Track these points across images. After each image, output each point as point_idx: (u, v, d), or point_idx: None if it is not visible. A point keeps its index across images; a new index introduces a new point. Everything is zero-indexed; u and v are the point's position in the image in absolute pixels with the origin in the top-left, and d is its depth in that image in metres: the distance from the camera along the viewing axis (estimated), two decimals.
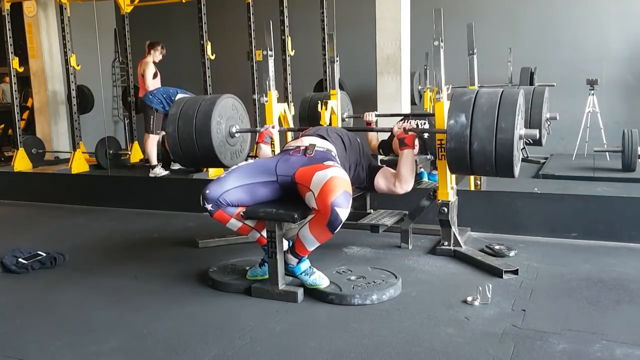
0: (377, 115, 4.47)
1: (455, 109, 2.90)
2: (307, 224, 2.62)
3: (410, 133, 3.15)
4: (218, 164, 3.65)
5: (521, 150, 3.00)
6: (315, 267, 2.79)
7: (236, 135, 3.70)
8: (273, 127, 3.56)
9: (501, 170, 2.88)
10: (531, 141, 3.13)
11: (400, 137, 3.16)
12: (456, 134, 2.86)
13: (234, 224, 2.80)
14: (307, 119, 5.06)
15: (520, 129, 2.87)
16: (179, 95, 6.31)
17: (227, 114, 3.61)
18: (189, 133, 3.52)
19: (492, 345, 2.17)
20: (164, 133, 6.66)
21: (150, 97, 6.41)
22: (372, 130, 4.14)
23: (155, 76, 6.66)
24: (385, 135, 4.44)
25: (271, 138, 3.45)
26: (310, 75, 7.28)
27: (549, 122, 4.75)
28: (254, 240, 2.92)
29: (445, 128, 2.98)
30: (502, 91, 2.91)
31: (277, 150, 3.65)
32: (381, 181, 3.17)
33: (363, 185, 3.23)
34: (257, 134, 3.50)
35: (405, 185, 3.11)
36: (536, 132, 2.98)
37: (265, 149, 3.37)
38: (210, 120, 3.46)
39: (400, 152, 3.15)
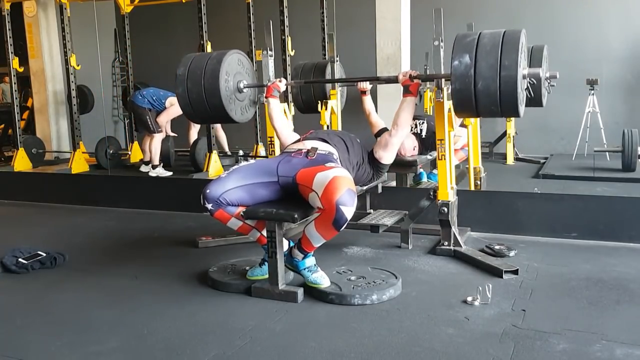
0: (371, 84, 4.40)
1: (458, 49, 2.89)
2: (313, 221, 2.63)
3: (415, 80, 3.17)
4: (228, 119, 3.66)
5: (525, 90, 2.99)
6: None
7: (244, 90, 3.70)
8: (280, 81, 3.58)
9: (506, 109, 2.87)
10: (532, 94, 3.11)
11: (405, 84, 3.18)
12: (460, 75, 2.86)
13: (235, 223, 2.80)
14: (300, 89, 5.09)
15: (523, 69, 2.88)
16: (171, 98, 6.33)
17: (233, 70, 3.61)
18: (199, 93, 3.52)
19: (492, 345, 2.17)
20: (170, 133, 6.69)
21: (140, 98, 6.41)
22: (375, 79, 3.96)
23: None
24: (386, 97, 4.33)
25: (279, 91, 3.50)
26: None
27: (549, 81, 4.75)
28: (254, 240, 2.92)
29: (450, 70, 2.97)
30: (505, 31, 2.91)
31: (277, 151, 3.65)
32: (380, 149, 3.17)
33: (371, 176, 3.23)
34: (265, 89, 3.54)
35: (402, 131, 3.14)
36: (539, 70, 2.98)
37: (274, 103, 3.42)
38: (218, 80, 3.46)
39: (403, 99, 3.16)
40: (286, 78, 6.47)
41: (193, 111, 3.64)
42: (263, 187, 2.78)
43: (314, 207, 2.64)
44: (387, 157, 3.18)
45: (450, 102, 3.08)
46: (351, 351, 2.16)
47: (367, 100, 4.15)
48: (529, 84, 3.03)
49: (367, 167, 3.18)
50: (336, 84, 4.65)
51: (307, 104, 5.20)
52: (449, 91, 3.06)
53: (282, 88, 3.57)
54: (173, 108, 6.38)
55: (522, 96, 2.90)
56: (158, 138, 6.47)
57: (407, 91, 3.16)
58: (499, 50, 2.82)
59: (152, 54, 9.69)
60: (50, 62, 8.44)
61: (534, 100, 4.48)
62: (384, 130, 4.32)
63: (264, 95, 3.56)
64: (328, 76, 4.91)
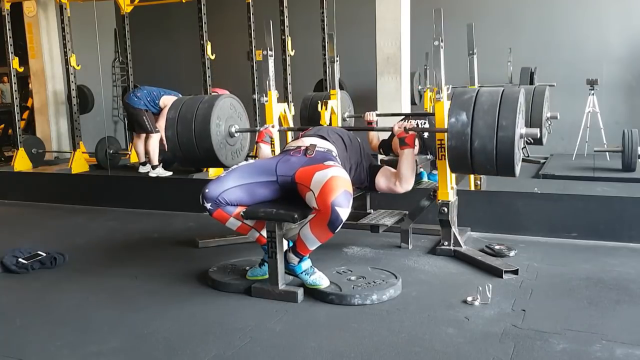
0: (377, 115, 4.47)
1: (456, 107, 2.90)
2: (308, 223, 2.62)
3: (410, 132, 3.15)
4: (219, 164, 3.66)
5: (522, 149, 3.00)
6: (315, 267, 2.79)
7: (236, 134, 3.70)
8: (272, 127, 3.55)
9: (502, 169, 2.88)
10: (532, 140, 3.14)
11: (401, 136, 3.16)
12: (457, 132, 2.86)
13: (233, 222, 2.80)
14: (308, 118, 5.05)
15: (521, 128, 2.88)
16: (164, 97, 6.31)
17: (225, 115, 3.61)
18: (189, 137, 3.52)
19: (492, 345, 2.17)
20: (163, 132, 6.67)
21: (136, 99, 6.38)
22: (372, 129, 4.14)
23: None
24: (385, 135, 4.44)
25: (271, 137, 3.45)
26: (310, 75, 7.27)
27: (549, 122, 4.75)
28: (254, 240, 2.92)
29: (446, 127, 2.98)
30: (503, 90, 2.91)
31: (278, 150, 3.65)
32: (382, 180, 3.18)
33: (364, 185, 3.24)
34: (257, 133, 3.50)
35: (406, 185, 3.12)
36: (537, 131, 2.98)
37: (264, 149, 3.37)
38: (209, 124, 3.46)
39: (401, 152, 3.15)
40: (286, 78, 6.48)
41: (182, 154, 3.63)
42: (262, 186, 2.77)
43: (310, 207, 2.63)
44: (382, 190, 3.22)
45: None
46: (351, 351, 2.16)
47: (374, 134, 4.29)
48: (526, 144, 3.04)
49: (365, 171, 3.18)
50: (336, 84, 4.66)
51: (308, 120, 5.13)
52: (449, 91, 3.06)
53: (275, 134, 3.55)
54: (167, 110, 6.38)
55: (518, 156, 2.90)
56: (155, 138, 6.45)
57: (403, 143, 3.14)
58: (496, 109, 2.82)
59: (152, 54, 9.69)
60: (50, 62, 8.44)
61: (535, 140, 4.47)
62: (381, 142, 4.40)
63: (255, 139, 3.48)
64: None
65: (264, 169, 2.81)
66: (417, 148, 4.35)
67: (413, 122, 3.41)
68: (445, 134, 3.06)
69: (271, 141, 3.48)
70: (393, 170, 3.19)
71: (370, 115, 4.32)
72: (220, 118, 3.55)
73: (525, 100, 3.02)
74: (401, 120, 3.50)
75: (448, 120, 2.92)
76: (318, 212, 2.54)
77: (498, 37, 7.98)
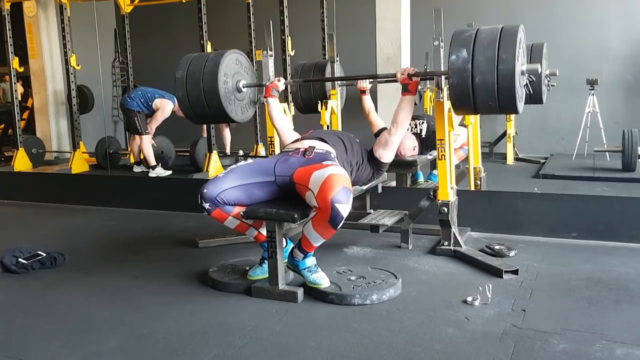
0: (371, 83, 4.39)
1: (456, 44, 2.88)
2: (310, 221, 2.63)
3: (414, 79, 3.15)
4: (229, 119, 3.69)
5: (524, 86, 2.98)
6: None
7: (243, 89, 3.70)
8: (279, 80, 3.56)
9: (504, 104, 2.86)
10: (531, 90, 3.09)
11: (404, 82, 3.15)
12: (458, 69, 2.85)
13: (232, 222, 2.80)
14: (299, 88, 5.09)
15: (522, 64, 2.87)
16: (157, 100, 6.32)
17: (232, 71, 3.62)
18: (198, 96, 3.54)
19: (492, 345, 2.17)
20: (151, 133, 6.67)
21: (129, 100, 6.41)
22: (374, 77, 3.92)
23: None
24: (386, 97, 4.34)
25: (278, 91, 3.49)
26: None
27: (548, 78, 4.73)
28: (252, 238, 2.93)
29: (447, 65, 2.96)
30: (503, 26, 2.91)
31: (277, 150, 3.65)
32: (380, 148, 3.16)
33: (371, 175, 3.22)
34: (264, 89, 3.54)
35: (401, 130, 3.13)
36: (537, 66, 2.97)
37: (273, 103, 3.41)
38: (217, 82, 3.47)
39: (402, 98, 3.15)
40: (286, 78, 6.48)
41: (194, 113, 3.66)
42: (260, 186, 2.78)
43: (310, 206, 2.64)
44: (386, 155, 3.17)
45: (450, 101, 3.07)
46: (351, 351, 2.16)
47: (367, 99, 4.16)
48: (528, 81, 3.03)
49: (367, 167, 3.18)
50: (336, 83, 4.66)
51: (306, 104, 5.20)
52: (449, 91, 3.06)
53: (281, 87, 3.55)
54: (159, 113, 6.38)
55: (520, 92, 2.89)
56: (146, 139, 6.47)
57: (405, 90, 3.15)
58: (496, 44, 2.81)
59: (152, 54, 9.69)
60: (50, 62, 8.44)
61: (534, 98, 4.46)
62: (384, 129, 4.32)
63: (263, 95, 3.55)
64: (328, 75, 4.91)
65: (262, 169, 2.81)
66: (417, 148, 4.36)
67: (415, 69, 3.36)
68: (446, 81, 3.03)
69: (279, 94, 3.51)
70: (384, 134, 3.19)
71: (364, 82, 4.28)
72: (227, 75, 3.56)
73: (525, 38, 3.00)
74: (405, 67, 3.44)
75: (448, 59, 2.90)
76: (319, 210, 2.55)
77: None
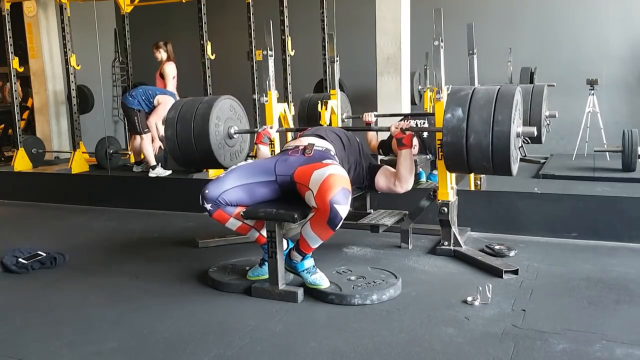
0: (376, 116, 4.47)
1: (452, 103, 2.90)
2: (308, 222, 2.62)
3: (407, 133, 3.16)
4: (217, 165, 3.66)
5: (519, 148, 2.99)
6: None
7: (235, 136, 3.70)
8: (271, 128, 3.54)
9: (498, 166, 2.87)
10: (529, 141, 3.13)
11: (398, 137, 3.17)
12: (453, 128, 2.86)
13: (233, 223, 2.80)
14: (307, 119, 5.06)
15: (517, 126, 2.87)
16: (158, 96, 6.29)
17: (225, 116, 3.61)
18: (188, 137, 3.52)
19: (492, 345, 2.17)
20: (157, 131, 6.66)
21: (130, 98, 6.38)
22: (370, 129, 4.13)
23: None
24: (385, 135, 4.44)
25: (269, 139, 3.45)
26: (310, 75, 7.28)
27: (548, 120, 4.74)
28: (254, 239, 2.92)
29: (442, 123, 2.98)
30: (499, 87, 2.92)
31: (277, 150, 3.65)
32: (381, 180, 3.19)
33: (363, 185, 3.24)
34: (255, 134, 3.49)
35: (405, 185, 3.14)
36: (533, 129, 2.98)
37: (263, 150, 3.37)
38: (208, 124, 3.46)
39: (399, 152, 3.15)
40: (286, 79, 6.48)
41: (181, 155, 3.62)
42: (261, 186, 2.78)
43: (310, 206, 2.64)
44: (382, 189, 3.25)
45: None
46: (351, 351, 2.16)
47: (372, 134, 4.26)
48: (523, 143, 3.03)
49: (364, 171, 3.19)
50: (336, 84, 4.66)
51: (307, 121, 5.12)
52: (449, 91, 3.06)
53: (273, 135, 3.53)
54: (161, 107, 6.34)
55: (515, 154, 2.89)
56: (147, 139, 6.45)
57: (400, 144, 3.15)
58: (492, 105, 2.82)
59: (152, 54, 9.68)
60: (50, 62, 8.43)
61: (534, 139, 4.45)
62: (382, 141, 4.39)
63: (254, 141, 3.47)
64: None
65: (263, 169, 2.81)
66: (416, 148, 4.37)
67: (411, 122, 3.41)
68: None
69: (270, 142, 3.47)
70: (392, 169, 3.20)
71: (369, 116, 4.34)
72: (219, 118, 3.55)
73: (522, 99, 3.01)
74: (399, 120, 3.50)
75: (444, 117, 2.92)
76: (317, 211, 2.55)
77: (498, 37, 7.98)
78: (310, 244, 2.67)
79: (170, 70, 6.56)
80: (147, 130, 6.41)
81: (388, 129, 3.31)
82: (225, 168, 3.61)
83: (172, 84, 6.61)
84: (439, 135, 3.33)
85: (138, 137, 6.45)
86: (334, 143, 3.00)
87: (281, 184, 2.77)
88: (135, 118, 6.32)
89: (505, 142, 2.78)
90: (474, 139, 2.81)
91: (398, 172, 3.13)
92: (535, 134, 2.99)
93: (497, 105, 2.81)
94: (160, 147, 6.67)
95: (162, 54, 6.61)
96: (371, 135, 4.45)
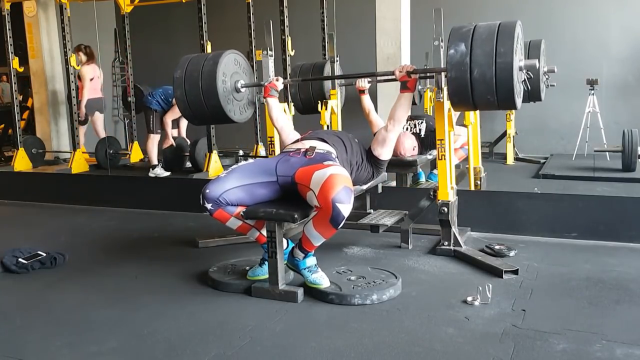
0: (370, 82, 4.38)
1: (454, 38, 2.89)
2: (311, 220, 2.63)
3: (412, 76, 3.14)
4: (228, 120, 3.66)
5: (522, 82, 2.98)
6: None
7: (242, 89, 3.69)
8: (277, 80, 3.54)
9: (502, 98, 2.85)
10: (529, 87, 3.10)
11: (403, 79, 3.14)
12: (456, 63, 2.85)
13: (234, 222, 2.80)
14: (298, 88, 5.10)
15: (519, 60, 2.87)
16: None
17: (230, 71, 3.61)
18: (197, 95, 3.53)
19: (492, 345, 2.17)
20: (167, 132, 6.70)
21: (150, 98, 6.47)
22: (372, 75, 3.90)
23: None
24: (386, 96, 4.33)
25: (277, 91, 3.47)
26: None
27: (547, 75, 4.73)
28: (254, 239, 2.93)
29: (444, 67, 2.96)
30: (500, 22, 2.92)
31: (277, 151, 3.65)
32: (378, 146, 3.15)
33: (371, 174, 3.22)
34: (263, 89, 3.52)
35: (398, 126, 3.13)
36: (535, 61, 2.99)
37: (272, 103, 3.39)
38: (215, 81, 3.46)
39: (400, 95, 3.14)
40: (285, 78, 6.48)
41: (192, 113, 3.65)
42: (262, 186, 2.78)
43: (312, 206, 2.64)
44: (385, 152, 3.17)
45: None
46: (351, 351, 2.16)
47: (366, 99, 4.17)
48: (526, 77, 3.02)
49: (367, 166, 3.18)
50: (336, 83, 4.66)
51: (306, 104, 5.18)
52: (447, 85, 3.05)
53: (280, 87, 3.54)
54: (177, 106, 6.39)
55: (518, 87, 2.88)
56: (154, 139, 6.49)
57: (404, 87, 3.14)
58: (494, 38, 2.82)
59: (152, 54, 9.68)
60: (50, 62, 8.44)
61: (533, 95, 4.45)
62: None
63: (262, 95, 3.54)
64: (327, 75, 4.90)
65: (264, 169, 2.82)
66: (416, 149, 4.37)
67: (414, 66, 3.35)
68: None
69: (278, 93, 3.49)
70: (382, 133, 3.17)
71: (362, 82, 4.26)
72: (225, 74, 3.55)
73: (523, 34, 3.00)
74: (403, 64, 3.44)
75: (447, 53, 2.91)
76: (320, 210, 2.55)
77: None
78: (312, 242, 2.68)
79: (85, 72, 6.93)
80: (159, 131, 6.47)
81: (392, 74, 3.27)
82: (235, 122, 3.66)
83: (87, 86, 6.90)
84: (439, 135, 3.33)
85: (150, 135, 6.51)
86: (336, 146, 3.00)
87: (282, 184, 2.77)
88: (151, 117, 6.41)
89: (509, 74, 2.77)
90: (478, 73, 2.81)
91: (395, 113, 3.11)
92: (537, 65, 2.99)
93: (499, 38, 2.81)
94: (171, 145, 6.75)
95: (81, 57, 6.89)
96: (374, 120, 4.26)
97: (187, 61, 3.63)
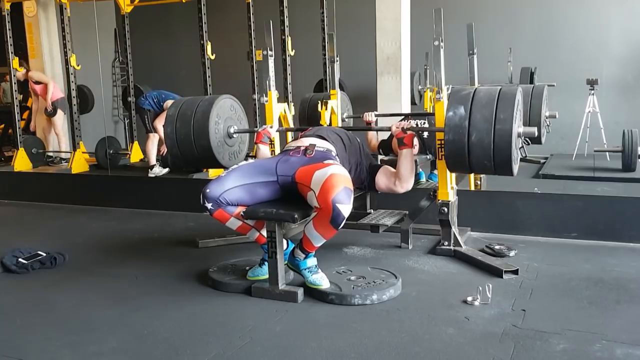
0: (377, 115, 4.47)
1: (454, 101, 2.90)
2: (311, 221, 2.63)
3: (408, 132, 3.16)
4: (216, 164, 3.64)
5: (520, 149, 2.99)
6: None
7: (234, 135, 3.68)
8: (271, 127, 3.53)
9: (500, 165, 2.86)
10: (529, 142, 3.13)
11: (399, 136, 3.16)
12: (455, 126, 2.86)
13: (234, 222, 2.80)
14: (307, 119, 5.06)
15: (519, 127, 2.88)
16: (168, 101, 6.35)
17: (225, 115, 3.61)
18: (187, 134, 3.51)
19: (492, 345, 2.17)
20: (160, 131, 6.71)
21: (143, 99, 6.50)
22: (370, 129, 4.13)
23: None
24: (385, 135, 4.44)
25: (269, 138, 3.43)
26: (310, 75, 7.28)
27: (548, 121, 4.74)
28: (254, 239, 2.92)
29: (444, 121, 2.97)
30: (501, 87, 2.92)
31: (278, 150, 3.65)
32: (382, 180, 3.19)
33: (364, 185, 3.24)
34: (255, 134, 3.47)
35: (406, 185, 3.14)
36: (534, 129, 2.98)
37: (263, 150, 3.35)
38: (208, 121, 3.45)
39: (399, 152, 3.16)
40: (286, 79, 6.48)
41: (180, 153, 3.60)
42: (262, 186, 2.78)
43: (312, 206, 2.64)
44: (382, 189, 3.25)
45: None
46: (351, 351, 2.16)
47: (372, 134, 4.25)
48: (524, 144, 3.03)
49: (365, 171, 3.19)
50: (335, 83, 4.66)
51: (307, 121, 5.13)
52: (449, 91, 3.06)
53: (273, 135, 3.52)
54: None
55: (515, 154, 2.89)
56: (152, 139, 6.51)
57: (402, 143, 3.15)
58: (494, 104, 2.82)
59: (152, 54, 9.69)
60: (50, 62, 8.43)
61: (534, 139, 4.44)
62: (380, 142, 4.38)
63: (254, 140, 3.45)
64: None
65: (264, 169, 2.81)
66: (417, 148, 4.37)
67: (412, 122, 3.41)
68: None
69: (270, 141, 3.46)
70: (393, 169, 3.20)
71: (369, 116, 4.34)
72: (219, 117, 3.54)
73: (522, 100, 3.01)
74: (400, 120, 3.50)
75: (446, 115, 2.92)
76: (320, 210, 2.55)
77: (498, 37, 7.99)
78: (313, 242, 2.68)
79: (40, 75, 7.52)
80: (155, 130, 6.49)
81: (389, 129, 3.30)
82: (224, 168, 3.61)
83: (53, 84, 7.46)
84: (439, 135, 3.33)
85: (150, 135, 6.53)
86: (335, 144, 3.00)
87: (282, 184, 2.77)
88: (146, 117, 6.45)
89: (507, 141, 2.78)
90: (476, 137, 2.81)
91: (399, 172, 3.13)
92: (536, 134, 3.00)
93: (499, 104, 2.82)
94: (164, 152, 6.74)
95: (25, 68, 7.41)
96: (371, 134, 4.45)
97: (182, 101, 3.64)
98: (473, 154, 2.86)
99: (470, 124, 2.82)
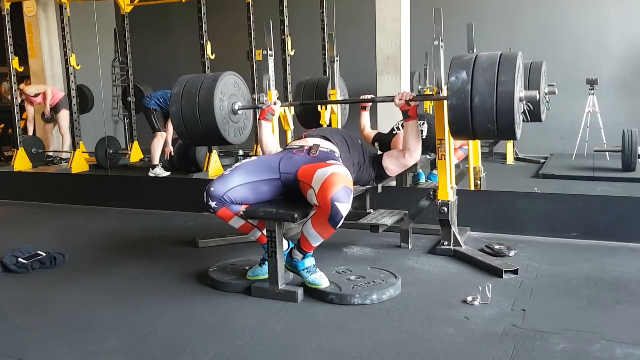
0: (372, 99, 4.41)
1: (456, 67, 2.89)
2: (310, 220, 2.63)
3: (412, 104, 3.16)
4: (222, 141, 3.63)
5: (522, 114, 2.98)
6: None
7: (239, 112, 3.68)
8: (275, 104, 3.50)
9: (503, 128, 2.85)
10: (529, 118, 3.11)
11: (404, 109, 3.17)
12: (457, 90, 2.85)
13: (237, 221, 2.80)
14: (302, 101, 5.09)
15: (520, 91, 2.88)
16: None
17: (229, 92, 3.60)
18: (193, 111, 3.51)
19: (492, 345, 2.17)
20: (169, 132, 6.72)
21: (148, 99, 6.52)
22: (372, 101, 3.99)
23: None
24: (386, 113, 4.36)
25: (273, 115, 3.44)
26: (310, 75, 7.26)
27: (548, 97, 4.73)
28: (255, 239, 2.92)
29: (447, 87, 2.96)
30: (502, 53, 2.92)
31: (277, 131, 3.62)
32: (391, 162, 3.21)
33: (373, 179, 3.24)
34: (259, 111, 3.49)
35: (415, 155, 3.17)
36: (536, 93, 2.98)
37: (266, 126, 3.36)
38: (213, 98, 3.44)
39: (405, 124, 3.18)
40: (286, 79, 6.49)
41: (186, 130, 3.59)
42: (266, 184, 2.78)
43: (312, 205, 2.64)
44: (394, 170, 3.24)
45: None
46: (351, 351, 2.16)
47: (366, 116, 4.21)
48: (526, 109, 3.02)
49: (369, 169, 3.19)
50: (336, 83, 4.66)
51: (309, 120, 5.15)
52: (448, 113, 3.05)
53: (277, 111, 3.51)
54: None
55: (519, 118, 2.89)
56: (159, 138, 6.50)
57: (406, 116, 3.16)
58: (496, 67, 2.82)
59: (152, 54, 9.69)
60: (50, 62, 8.44)
61: (534, 116, 4.47)
62: (378, 134, 4.35)
63: (258, 117, 3.46)
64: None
65: (268, 167, 2.82)
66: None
67: (414, 94, 3.38)
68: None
69: (272, 119, 3.46)
70: (397, 151, 3.24)
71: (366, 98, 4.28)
72: (224, 94, 3.53)
73: (523, 66, 3.00)
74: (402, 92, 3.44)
75: (448, 80, 2.91)
76: (319, 209, 2.55)
77: (498, 37, 7.98)
78: (311, 242, 2.67)
79: (37, 87, 7.71)
80: (164, 130, 6.50)
81: (392, 101, 3.28)
82: (229, 144, 3.64)
83: (51, 88, 7.68)
84: (439, 135, 3.34)
85: (157, 135, 6.54)
86: (339, 145, 3.01)
87: (285, 182, 2.77)
88: (152, 117, 6.46)
89: (510, 103, 2.77)
90: (479, 101, 2.80)
91: (407, 144, 3.15)
92: (538, 97, 2.99)
93: (500, 67, 2.82)
94: (171, 153, 6.74)
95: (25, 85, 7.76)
96: (364, 123, 4.33)
97: (187, 79, 3.63)
98: (476, 118, 2.84)
99: (473, 88, 2.82)
